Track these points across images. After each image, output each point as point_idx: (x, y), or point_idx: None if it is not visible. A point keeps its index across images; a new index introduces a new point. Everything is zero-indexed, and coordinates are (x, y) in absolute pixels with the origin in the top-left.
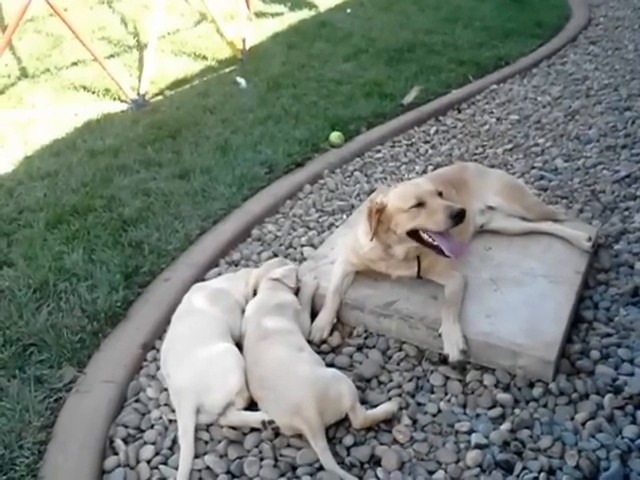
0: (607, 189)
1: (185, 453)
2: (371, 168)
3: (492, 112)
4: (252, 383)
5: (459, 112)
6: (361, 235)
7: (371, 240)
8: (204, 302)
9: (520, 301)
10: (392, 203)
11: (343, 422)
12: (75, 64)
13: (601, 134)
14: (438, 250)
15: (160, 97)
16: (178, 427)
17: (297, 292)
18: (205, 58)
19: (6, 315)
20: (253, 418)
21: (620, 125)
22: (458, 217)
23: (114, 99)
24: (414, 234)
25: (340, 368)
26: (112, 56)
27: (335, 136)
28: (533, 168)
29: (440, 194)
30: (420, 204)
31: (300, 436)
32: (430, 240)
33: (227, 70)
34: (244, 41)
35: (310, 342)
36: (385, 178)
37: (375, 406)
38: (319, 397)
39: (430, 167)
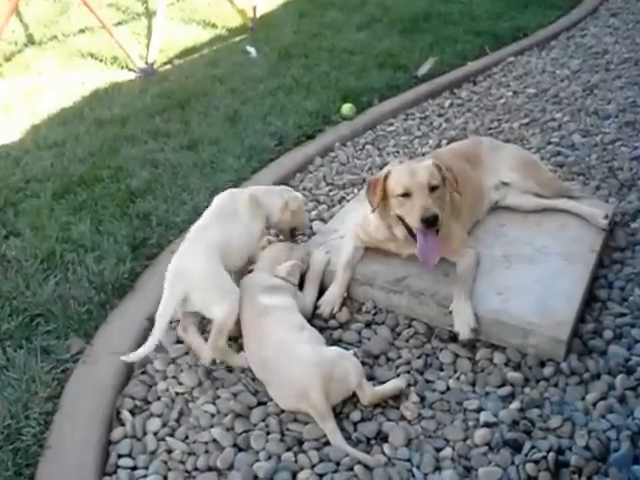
0: (625, 166)
1: (153, 334)
2: (383, 141)
3: (509, 85)
4: (254, 364)
5: (475, 85)
6: (369, 213)
7: (372, 212)
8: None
9: (533, 279)
10: (389, 183)
11: (350, 398)
12: (83, 31)
13: (620, 109)
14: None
15: (169, 66)
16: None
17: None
18: (215, 26)
19: (13, 285)
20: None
21: None
22: (428, 222)
23: (122, 67)
24: (403, 220)
25: (348, 344)
26: (120, 23)
27: (347, 108)
28: (549, 143)
29: (434, 188)
30: (407, 194)
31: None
32: (413, 231)
33: (237, 39)
34: (255, 9)
35: (319, 316)
36: (397, 152)
37: (383, 383)
38: (324, 379)
39: (444, 141)
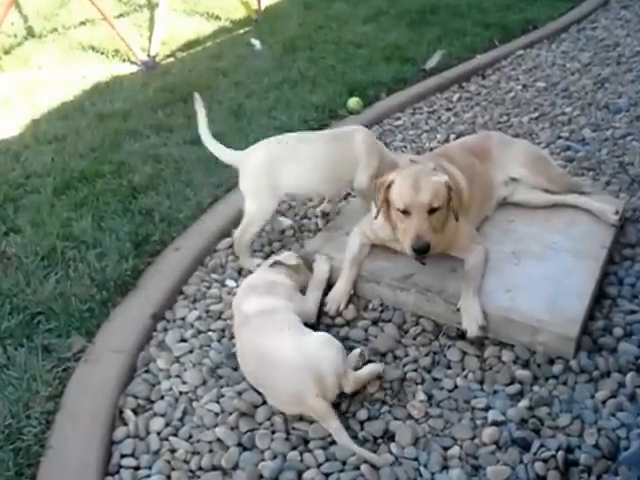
0: (636, 161)
1: None
2: (390, 136)
3: (518, 79)
4: (247, 376)
5: (483, 78)
6: (374, 209)
7: (375, 218)
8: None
9: (542, 276)
10: (393, 190)
11: (357, 396)
12: (83, 23)
13: (631, 103)
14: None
15: (171, 59)
16: None
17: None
18: (218, 18)
19: (13, 283)
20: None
21: None
22: (418, 251)
23: (124, 60)
24: None
25: (355, 342)
26: (122, 15)
27: (353, 102)
28: (559, 138)
29: (433, 210)
30: (405, 212)
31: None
32: None
33: (241, 31)
34: (259, 1)
35: (325, 314)
36: (405, 147)
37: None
38: (315, 379)
39: (452, 136)
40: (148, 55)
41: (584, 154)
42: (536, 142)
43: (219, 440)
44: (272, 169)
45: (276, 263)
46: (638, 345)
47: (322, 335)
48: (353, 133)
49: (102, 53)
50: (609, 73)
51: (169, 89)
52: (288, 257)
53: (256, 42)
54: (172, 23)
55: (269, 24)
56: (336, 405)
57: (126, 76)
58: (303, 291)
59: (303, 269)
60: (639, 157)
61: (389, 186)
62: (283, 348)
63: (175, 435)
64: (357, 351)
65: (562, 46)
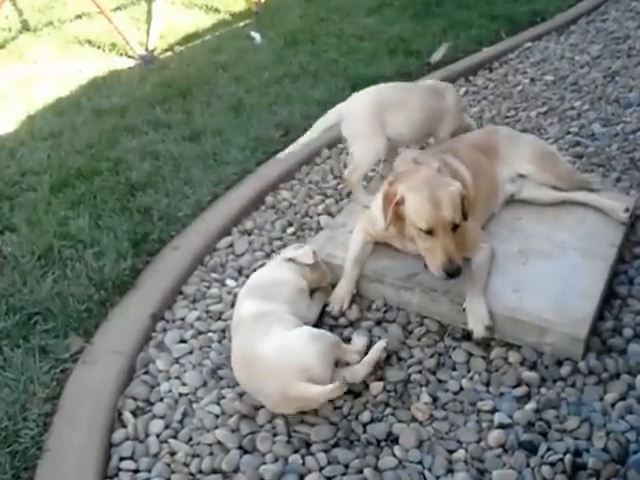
0: None
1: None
2: None
3: (526, 72)
4: (240, 382)
5: (490, 71)
6: (375, 210)
7: (386, 229)
8: None
9: (550, 275)
10: (408, 208)
11: (359, 397)
12: (79, 17)
13: None
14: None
15: (169, 53)
16: None
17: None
18: (217, 11)
19: (9, 282)
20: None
21: None
22: (450, 275)
23: (121, 55)
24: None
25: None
26: (119, 8)
27: None
28: (568, 133)
29: (455, 227)
30: (430, 232)
31: (316, 412)
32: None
33: (241, 24)
34: None
35: (328, 314)
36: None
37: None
38: (298, 371)
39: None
40: (146, 49)
41: (594, 150)
42: (544, 137)
43: (219, 443)
44: (380, 113)
45: (291, 260)
46: None
47: (306, 329)
48: (446, 89)
49: (99, 47)
50: (619, 66)
51: (167, 84)
52: (305, 255)
53: (256, 35)
54: (170, 16)
55: (269, 17)
56: (338, 407)
57: (123, 71)
58: (315, 290)
59: (320, 267)
60: None
61: (399, 202)
62: (266, 349)
63: (175, 437)
64: (383, 343)
65: (571, 38)
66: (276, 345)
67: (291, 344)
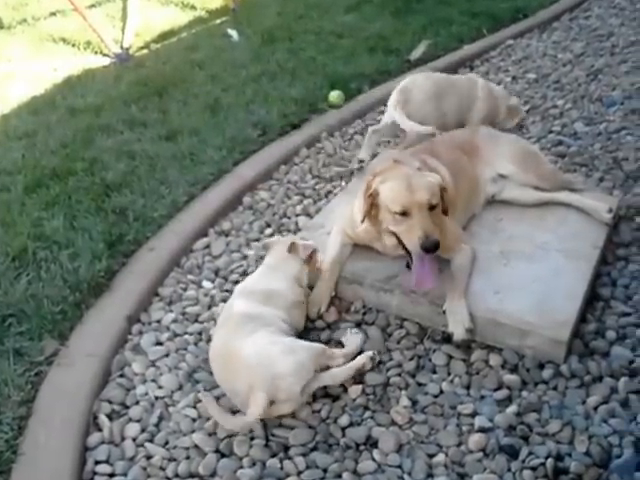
0: (630, 156)
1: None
2: None
3: (507, 70)
4: (214, 374)
5: (471, 70)
6: (357, 210)
7: (362, 222)
8: None
9: (532, 277)
10: (383, 196)
11: (338, 401)
12: (54, 14)
13: (626, 96)
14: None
15: (145, 51)
16: None
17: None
18: (194, 8)
19: None
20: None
21: None
22: (428, 250)
23: (96, 53)
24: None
25: (337, 346)
26: (93, 6)
27: (334, 95)
28: (551, 132)
29: (433, 207)
30: (405, 213)
31: (294, 415)
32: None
33: (218, 21)
34: None
35: (307, 317)
36: (388, 142)
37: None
38: (266, 378)
39: (438, 130)
40: (121, 47)
41: (576, 149)
42: (526, 136)
43: (196, 446)
44: (436, 97)
45: (293, 246)
46: (631, 349)
47: (290, 340)
48: (477, 80)
49: (73, 45)
50: (602, 64)
51: (143, 82)
52: (305, 248)
53: (233, 33)
54: (146, 13)
55: (247, 14)
56: (317, 411)
57: (98, 69)
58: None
59: (316, 265)
60: (634, 152)
61: (374, 193)
62: (247, 348)
63: (151, 441)
64: (370, 353)
65: (554, 36)
66: (257, 347)
67: (270, 351)
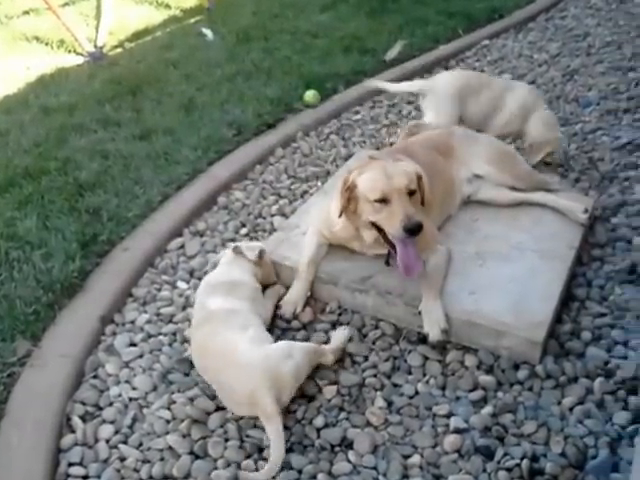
0: (606, 157)
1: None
2: (349, 131)
3: (483, 70)
4: (201, 371)
5: (447, 70)
6: (333, 210)
7: (339, 217)
8: None
9: (507, 277)
10: (361, 187)
11: (313, 402)
12: (27, 13)
13: (602, 96)
14: (393, 255)
15: (119, 50)
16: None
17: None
18: (168, 7)
19: None
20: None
21: (623, 87)
22: (411, 231)
23: (69, 51)
24: (378, 226)
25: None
26: (67, 4)
27: (310, 95)
28: None
29: (412, 193)
30: (384, 200)
31: None
32: (390, 239)
33: (192, 20)
34: None
35: (280, 317)
36: (364, 142)
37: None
38: (272, 380)
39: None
40: (95, 46)
41: None
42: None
43: (170, 448)
44: (460, 94)
45: (237, 249)
46: (607, 349)
47: (287, 342)
48: (517, 90)
49: (47, 44)
50: (578, 64)
51: (117, 81)
52: (251, 249)
53: (208, 32)
54: (120, 12)
55: (221, 13)
56: (292, 412)
57: (72, 68)
58: (263, 288)
59: (267, 264)
60: (609, 153)
61: (351, 186)
62: (244, 347)
63: (125, 443)
64: (346, 332)
65: (529, 36)
66: (258, 348)
67: (272, 354)
